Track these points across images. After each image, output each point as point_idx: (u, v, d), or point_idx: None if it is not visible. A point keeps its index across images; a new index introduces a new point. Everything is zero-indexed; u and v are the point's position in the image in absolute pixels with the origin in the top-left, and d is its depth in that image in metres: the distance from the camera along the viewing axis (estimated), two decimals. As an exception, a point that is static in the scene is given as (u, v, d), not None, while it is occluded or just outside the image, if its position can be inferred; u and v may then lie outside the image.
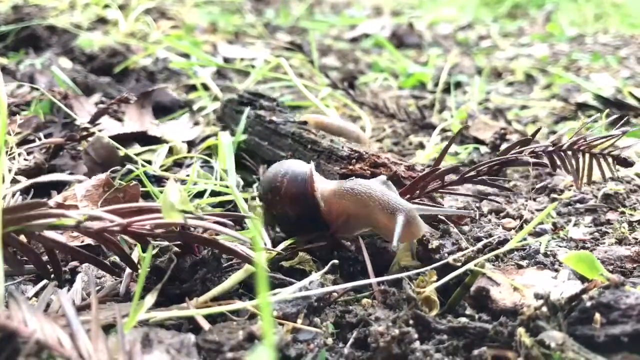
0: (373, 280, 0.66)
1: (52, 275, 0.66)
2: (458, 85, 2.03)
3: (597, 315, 0.56)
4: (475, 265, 0.66)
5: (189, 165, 1.16)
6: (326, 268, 0.68)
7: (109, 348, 0.49)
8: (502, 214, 1.00)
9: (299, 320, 0.63)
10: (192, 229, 0.64)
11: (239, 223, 0.91)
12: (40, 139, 1.09)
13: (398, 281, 0.69)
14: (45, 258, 0.66)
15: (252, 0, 3.57)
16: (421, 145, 1.41)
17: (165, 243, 0.68)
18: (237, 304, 0.62)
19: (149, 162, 1.10)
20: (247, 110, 1.20)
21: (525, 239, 0.87)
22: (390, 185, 0.75)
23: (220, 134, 0.92)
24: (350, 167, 0.88)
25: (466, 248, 0.76)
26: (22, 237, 0.61)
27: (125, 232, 0.63)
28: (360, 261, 0.77)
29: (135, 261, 0.73)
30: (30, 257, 0.63)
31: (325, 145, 0.96)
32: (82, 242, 0.77)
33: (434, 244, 0.74)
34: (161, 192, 0.92)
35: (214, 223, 0.62)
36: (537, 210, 1.04)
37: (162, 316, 0.59)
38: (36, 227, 0.59)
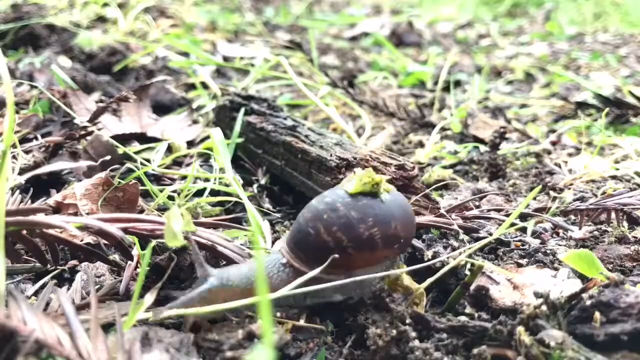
0: (368, 276, 0.66)
1: (50, 266, 0.67)
2: (458, 83, 2.02)
3: (597, 314, 0.56)
4: (473, 263, 0.66)
5: (188, 165, 1.16)
6: (323, 266, 0.68)
7: (108, 347, 0.49)
8: (501, 213, 1.00)
9: (301, 320, 0.63)
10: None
11: (238, 220, 0.92)
12: (37, 138, 1.09)
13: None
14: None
15: (252, -1, 3.56)
16: (421, 144, 1.41)
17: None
18: (237, 303, 0.62)
19: (148, 161, 1.10)
20: (240, 115, 1.18)
21: (522, 236, 0.87)
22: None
23: (212, 131, 0.92)
24: (341, 176, 0.87)
25: (459, 246, 0.76)
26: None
27: (125, 232, 0.63)
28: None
29: (135, 259, 0.73)
30: (28, 246, 0.64)
31: (314, 155, 0.94)
32: (82, 240, 0.77)
33: (429, 254, 0.74)
34: (161, 190, 0.92)
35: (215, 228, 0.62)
36: (537, 209, 1.03)
37: (161, 315, 0.59)
38: (36, 228, 0.60)
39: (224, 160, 0.93)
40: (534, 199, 1.07)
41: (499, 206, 1.02)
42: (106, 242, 0.76)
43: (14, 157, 0.97)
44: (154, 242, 0.64)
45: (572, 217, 0.97)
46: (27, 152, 1.02)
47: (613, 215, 0.85)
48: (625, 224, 0.86)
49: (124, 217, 0.66)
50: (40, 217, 0.60)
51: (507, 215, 0.85)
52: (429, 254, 0.73)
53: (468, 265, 0.72)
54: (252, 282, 0.60)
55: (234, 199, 0.92)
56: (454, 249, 0.76)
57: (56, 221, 0.59)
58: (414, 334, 0.56)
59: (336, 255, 0.59)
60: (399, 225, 0.61)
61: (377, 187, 0.62)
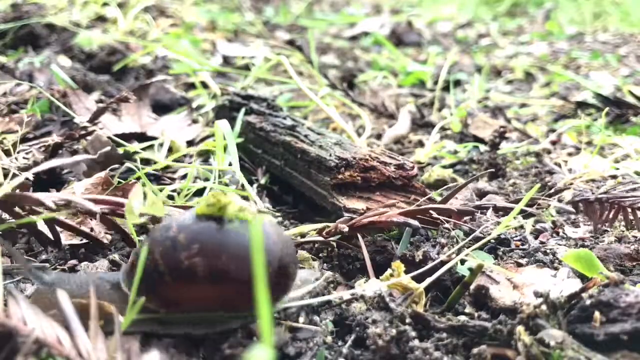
0: (367, 289, 0.66)
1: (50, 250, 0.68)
2: (457, 83, 2.02)
3: (597, 314, 0.56)
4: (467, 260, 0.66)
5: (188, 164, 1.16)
6: (323, 277, 0.68)
7: (107, 346, 0.49)
8: (501, 212, 1.00)
9: (302, 319, 0.63)
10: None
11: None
12: (37, 137, 1.09)
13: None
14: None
15: (252, -2, 3.56)
16: (420, 144, 1.41)
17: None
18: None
19: (148, 161, 1.10)
20: (240, 115, 1.18)
21: (523, 236, 0.87)
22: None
23: (218, 122, 0.92)
24: (340, 176, 0.87)
25: (446, 244, 0.76)
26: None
27: (113, 214, 0.64)
28: (359, 259, 0.77)
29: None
30: (26, 227, 0.65)
31: (314, 155, 0.93)
32: (81, 240, 0.77)
33: (419, 255, 0.73)
34: (160, 190, 0.92)
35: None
36: (537, 208, 1.03)
37: (159, 315, 0.59)
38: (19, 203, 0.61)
39: (231, 150, 0.92)
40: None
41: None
42: (108, 233, 0.76)
43: (13, 156, 0.96)
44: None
45: (573, 216, 0.97)
46: (26, 152, 1.02)
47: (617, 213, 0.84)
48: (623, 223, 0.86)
49: (110, 199, 0.66)
50: (22, 193, 0.60)
51: (505, 211, 0.85)
52: (419, 254, 0.73)
53: (461, 264, 0.72)
54: (87, 291, 0.54)
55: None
56: (442, 247, 0.76)
57: (36, 195, 0.60)
58: (413, 334, 0.56)
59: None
60: (233, 262, 0.51)
61: (223, 210, 0.53)
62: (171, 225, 0.54)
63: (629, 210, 0.81)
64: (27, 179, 0.62)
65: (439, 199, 0.91)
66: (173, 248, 0.51)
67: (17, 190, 0.62)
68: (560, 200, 0.87)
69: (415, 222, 0.74)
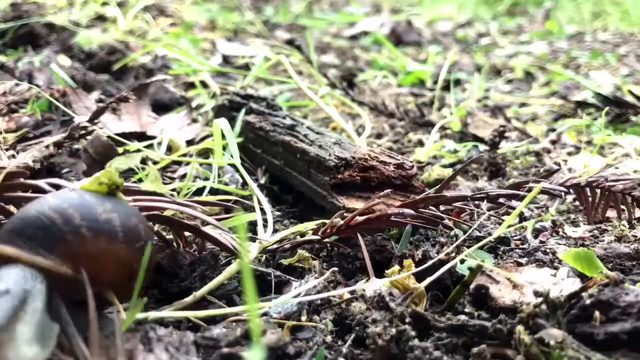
0: (369, 285, 0.66)
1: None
2: (457, 82, 2.02)
3: (597, 313, 0.56)
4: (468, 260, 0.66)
5: (187, 164, 1.15)
6: (327, 274, 0.68)
7: (107, 347, 0.49)
8: (501, 212, 1.00)
9: (302, 318, 0.63)
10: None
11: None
12: (36, 136, 1.09)
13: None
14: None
15: (251, -2, 3.56)
16: (420, 143, 1.41)
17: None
18: (234, 309, 0.62)
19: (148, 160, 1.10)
20: (240, 115, 1.18)
21: (523, 235, 0.87)
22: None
23: (217, 121, 0.92)
24: (339, 176, 0.86)
25: (446, 243, 0.76)
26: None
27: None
28: (359, 258, 0.77)
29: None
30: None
31: (313, 155, 0.93)
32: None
33: (419, 254, 0.73)
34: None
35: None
36: (537, 208, 1.04)
37: (159, 315, 0.59)
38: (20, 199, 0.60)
39: (232, 148, 0.92)
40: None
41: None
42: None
43: (13, 156, 0.96)
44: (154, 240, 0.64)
45: (571, 215, 0.98)
46: (25, 151, 1.02)
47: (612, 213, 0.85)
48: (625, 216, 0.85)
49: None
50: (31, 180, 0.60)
51: (497, 202, 0.85)
52: (418, 254, 0.73)
53: (461, 263, 0.72)
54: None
55: (233, 197, 0.92)
56: (442, 246, 0.76)
57: (46, 186, 0.59)
58: (413, 333, 0.56)
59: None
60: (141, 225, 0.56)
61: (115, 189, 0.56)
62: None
63: (620, 195, 0.81)
64: (25, 165, 0.61)
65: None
66: (87, 205, 0.53)
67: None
68: (551, 182, 0.86)
69: (409, 211, 0.74)
